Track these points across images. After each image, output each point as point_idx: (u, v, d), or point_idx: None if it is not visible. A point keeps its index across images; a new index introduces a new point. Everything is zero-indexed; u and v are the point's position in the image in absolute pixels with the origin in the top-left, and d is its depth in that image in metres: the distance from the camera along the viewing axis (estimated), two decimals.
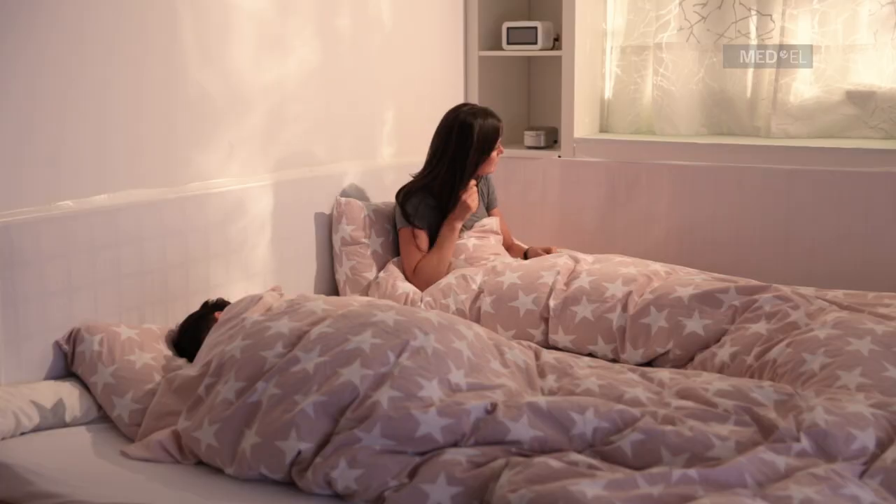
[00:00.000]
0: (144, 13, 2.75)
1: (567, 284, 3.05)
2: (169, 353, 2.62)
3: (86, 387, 2.48)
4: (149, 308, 2.77)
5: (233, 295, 2.91)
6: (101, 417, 2.46)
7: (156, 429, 2.30)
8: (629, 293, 2.95)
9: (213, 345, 2.41)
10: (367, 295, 3.27)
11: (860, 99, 3.73)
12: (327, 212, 3.41)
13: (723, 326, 2.78)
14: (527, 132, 4.14)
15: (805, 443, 1.96)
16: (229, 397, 2.21)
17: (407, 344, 2.26)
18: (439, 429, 2.05)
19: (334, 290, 3.41)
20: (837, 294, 2.95)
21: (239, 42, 3.06)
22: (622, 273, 3.04)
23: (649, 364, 2.82)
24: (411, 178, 3.41)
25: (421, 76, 3.90)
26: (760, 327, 2.70)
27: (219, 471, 2.15)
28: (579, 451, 2.02)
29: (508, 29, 4.07)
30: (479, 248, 3.39)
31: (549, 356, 2.55)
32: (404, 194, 3.37)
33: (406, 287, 3.23)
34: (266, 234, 3.17)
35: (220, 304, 2.76)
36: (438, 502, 1.91)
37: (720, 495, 1.78)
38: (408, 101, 3.82)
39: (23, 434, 2.31)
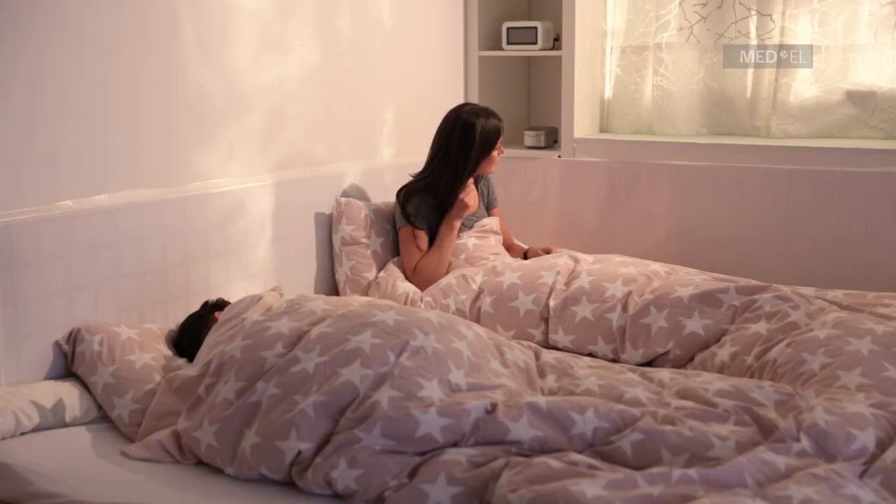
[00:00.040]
0: (144, 13, 2.75)
1: (567, 284, 3.05)
2: (169, 353, 2.62)
3: (86, 387, 2.48)
4: (149, 308, 2.77)
5: (233, 295, 2.91)
6: (101, 417, 2.46)
7: (156, 429, 2.30)
8: (629, 293, 2.94)
9: (213, 345, 2.41)
10: (367, 295, 3.26)
11: (860, 99, 3.73)
12: (327, 212, 3.41)
13: (723, 326, 2.78)
14: (527, 132, 4.14)
15: (805, 443, 1.96)
16: (229, 397, 2.21)
17: (407, 344, 2.26)
18: (439, 429, 2.05)
19: (334, 290, 3.41)
20: (837, 294, 2.95)
21: (239, 42, 3.06)
22: (622, 273, 3.03)
23: (649, 364, 2.81)
24: (411, 178, 3.41)
25: (421, 76, 3.89)
26: (760, 327, 2.69)
27: (219, 471, 2.15)
28: (579, 451, 2.02)
29: (508, 29, 4.07)
30: (479, 248, 3.38)
31: (549, 356, 2.55)
32: (405, 194, 3.36)
33: (406, 287, 3.23)
34: (266, 234, 3.17)
35: (220, 304, 2.76)
36: (438, 502, 1.91)
37: (720, 495, 1.78)
38: (408, 101, 3.82)
39: (23, 434, 2.31)
